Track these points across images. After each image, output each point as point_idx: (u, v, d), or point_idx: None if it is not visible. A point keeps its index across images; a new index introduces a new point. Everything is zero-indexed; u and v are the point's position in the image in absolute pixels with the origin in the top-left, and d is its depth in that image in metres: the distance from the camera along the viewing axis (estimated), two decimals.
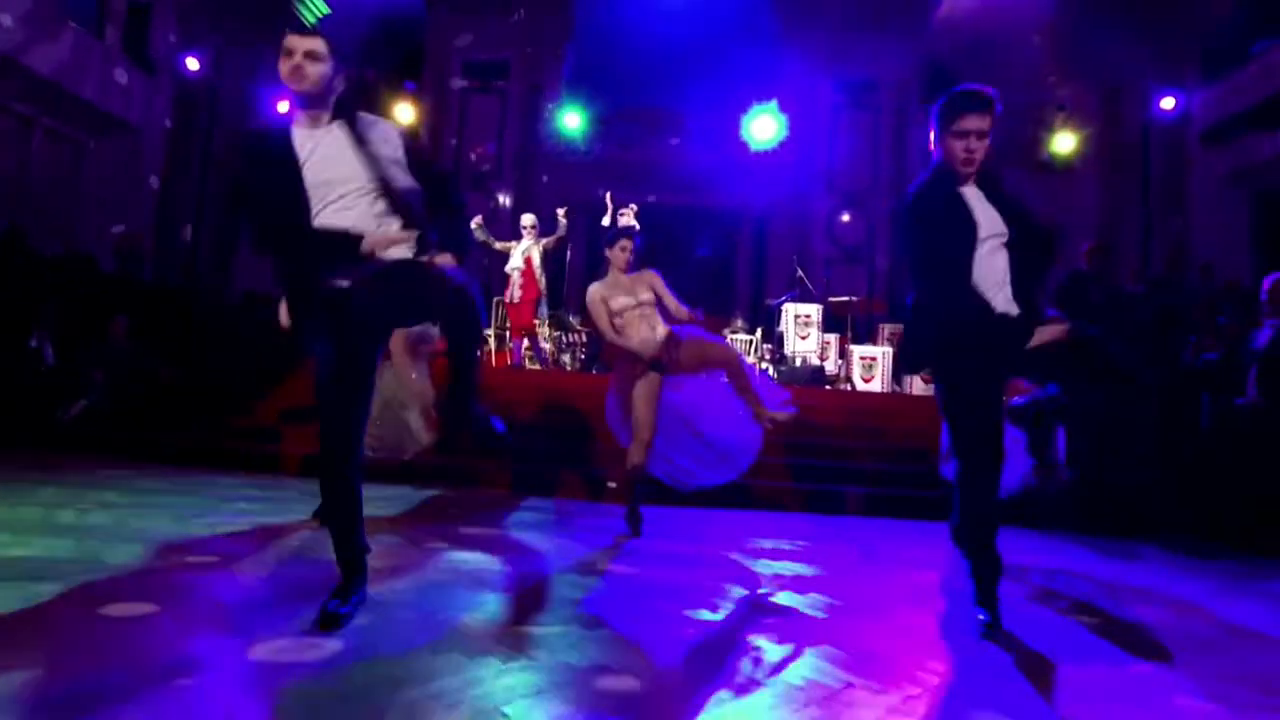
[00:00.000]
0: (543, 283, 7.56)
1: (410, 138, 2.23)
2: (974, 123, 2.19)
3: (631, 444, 3.64)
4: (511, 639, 2.00)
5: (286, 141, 2.07)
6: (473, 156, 12.07)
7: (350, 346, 2.07)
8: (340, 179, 2.05)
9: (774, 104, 11.20)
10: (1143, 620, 2.59)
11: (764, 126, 11.08)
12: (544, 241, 7.58)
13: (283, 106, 10.84)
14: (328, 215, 2.04)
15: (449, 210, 2.24)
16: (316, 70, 2.06)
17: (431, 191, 2.19)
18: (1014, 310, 2.26)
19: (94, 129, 10.24)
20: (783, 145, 11.31)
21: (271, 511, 3.63)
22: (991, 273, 2.25)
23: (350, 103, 2.16)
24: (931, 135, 2.31)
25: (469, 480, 4.96)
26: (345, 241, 2.00)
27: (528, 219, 7.67)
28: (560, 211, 7.63)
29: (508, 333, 8.17)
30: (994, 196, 2.29)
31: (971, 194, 2.27)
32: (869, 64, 11.82)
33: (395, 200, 2.10)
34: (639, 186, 12.39)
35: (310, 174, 2.04)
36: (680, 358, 3.61)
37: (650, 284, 3.74)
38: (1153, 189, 10.27)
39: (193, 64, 10.68)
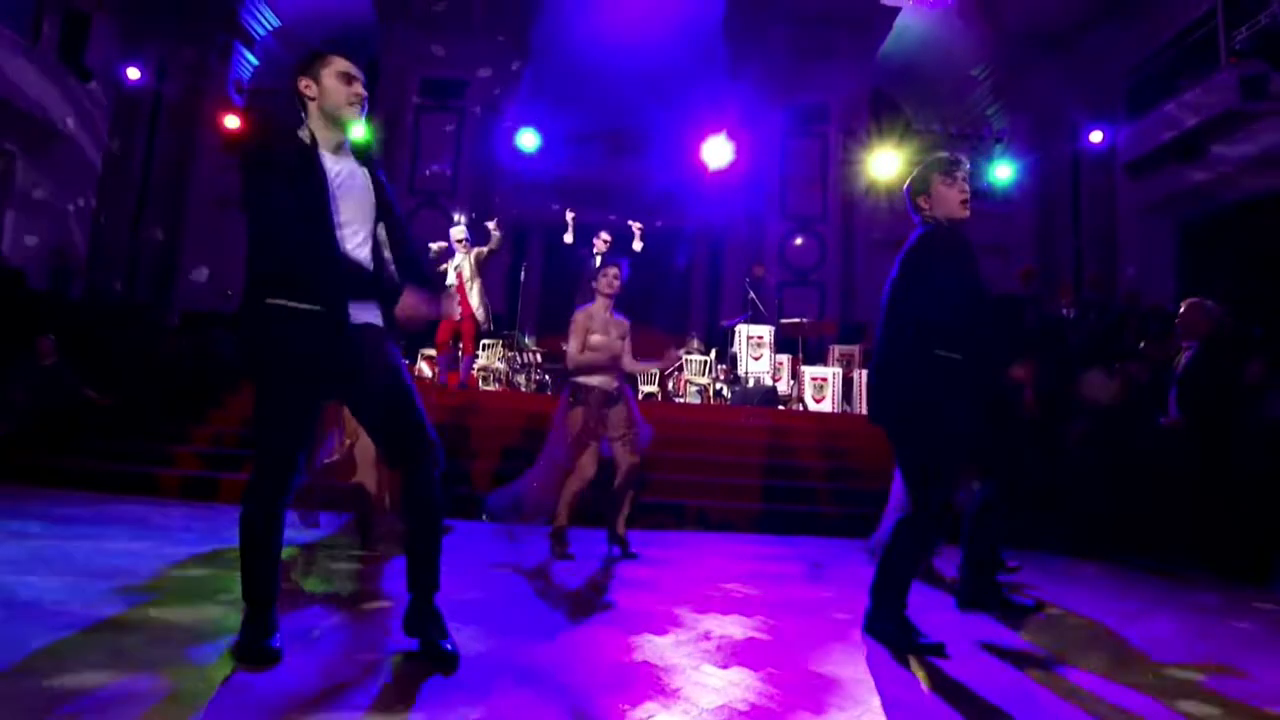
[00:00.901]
0: (475, 297, 7.21)
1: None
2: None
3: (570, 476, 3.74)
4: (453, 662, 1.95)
5: (316, 160, 2.02)
6: (427, 174, 11.96)
7: (339, 380, 2.01)
8: (360, 215, 2.06)
9: (727, 128, 11.44)
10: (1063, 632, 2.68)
11: (718, 151, 11.30)
12: (475, 252, 7.28)
13: (230, 121, 10.61)
14: (347, 247, 2.03)
15: (410, 250, 2.18)
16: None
17: (394, 233, 2.15)
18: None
19: (26, 138, 9.81)
20: (736, 169, 11.54)
21: (198, 540, 3.48)
22: None
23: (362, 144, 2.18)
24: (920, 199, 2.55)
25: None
26: (370, 280, 2.03)
27: (457, 232, 7.38)
28: (491, 224, 7.36)
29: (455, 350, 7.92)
30: None
31: None
32: (818, 93, 12.18)
33: (381, 241, 2.11)
34: (596, 207, 12.47)
35: (337, 201, 2.02)
36: (611, 414, 3.74)
37: (623, 332, 3.83)
38: (1083, 217, 10.81)
39: (133, 73, 10.37)
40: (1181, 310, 4.37)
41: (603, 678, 1.98)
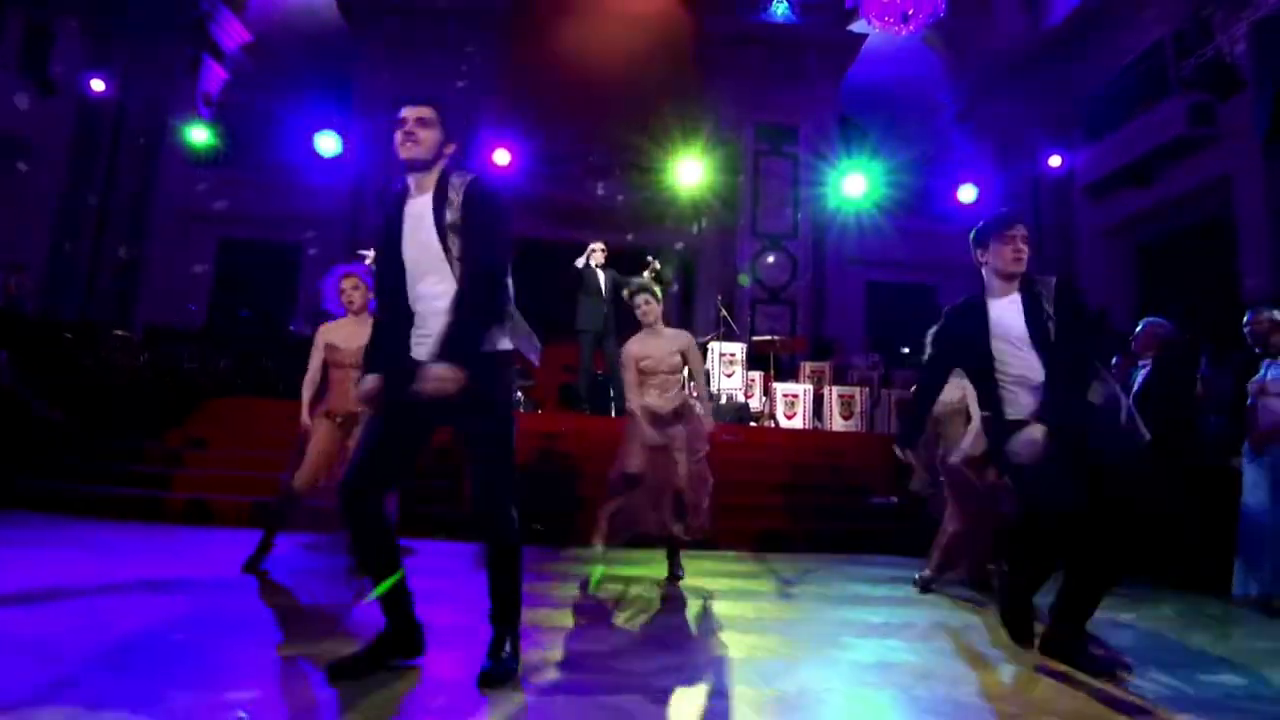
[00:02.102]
0: None
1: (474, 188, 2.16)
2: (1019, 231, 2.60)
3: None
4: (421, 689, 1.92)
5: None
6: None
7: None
8: (425, 256, 2.10)
9: (699, 148, 11.60)
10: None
11: (691, 170, 11.45)
12: None
13: (196, 133, 10.45)
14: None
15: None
16: (429, 136, 2.17)
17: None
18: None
19: None
20: (710, 188, 11.69)
21: (149, 564, 3.38)
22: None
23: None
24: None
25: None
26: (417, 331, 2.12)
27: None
28: None
29: None
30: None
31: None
32: (789, 114, 12.42)
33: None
34: (570, 224, 12.51)
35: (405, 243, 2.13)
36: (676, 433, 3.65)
37: (680, 347, 3.76)
38: (1044, 239, 11.12)
39: (98, 85, 10.17)
40: (1138, 329, 4.51)
41: (572, 703, 1.96)
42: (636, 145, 12.14)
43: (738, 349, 8.93)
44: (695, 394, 3.91)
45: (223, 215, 11.40)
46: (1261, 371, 4.00)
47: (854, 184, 11.46)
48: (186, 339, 8.59)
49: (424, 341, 2.07)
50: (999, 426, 2.56)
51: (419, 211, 2.12)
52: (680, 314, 12.95)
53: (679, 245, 12.56)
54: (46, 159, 10.24)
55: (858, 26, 12.08)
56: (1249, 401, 4.03)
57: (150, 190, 11.27)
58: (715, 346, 8.98)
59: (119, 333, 7.40)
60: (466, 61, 12.32)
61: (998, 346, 2.53)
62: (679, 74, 13.02)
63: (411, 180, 2.18)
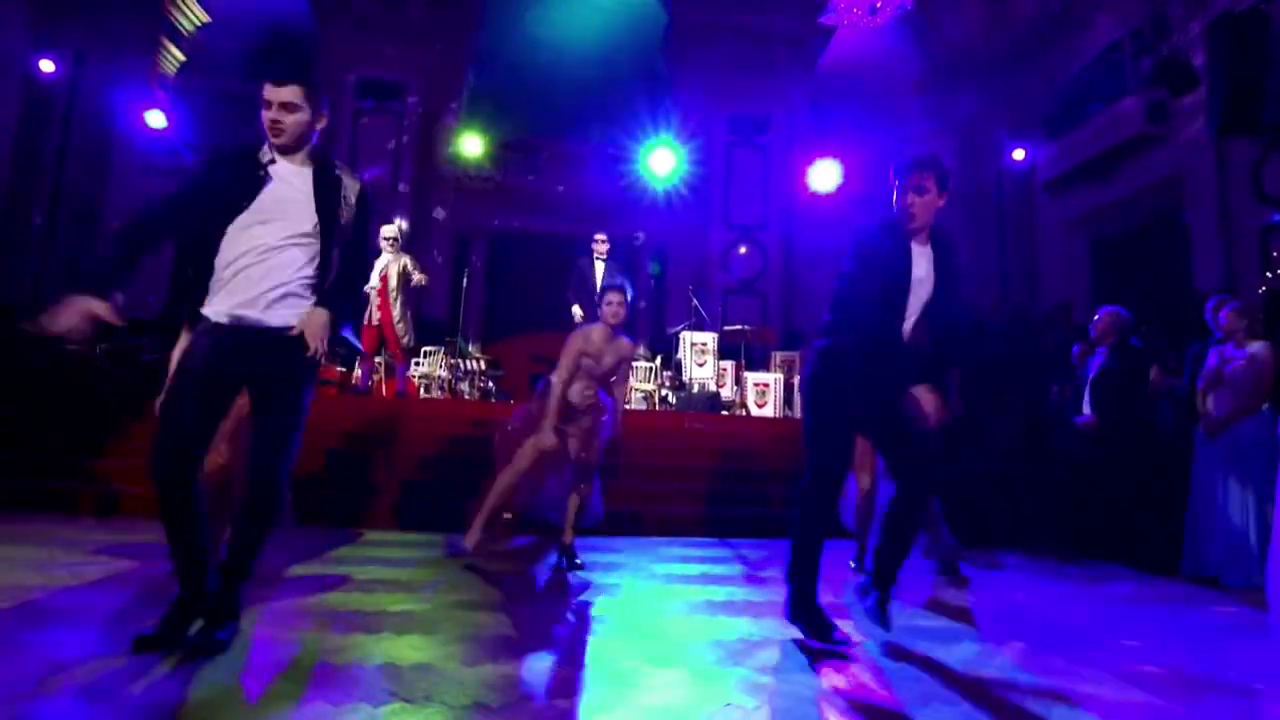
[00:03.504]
0: (397, 309, 6.80)
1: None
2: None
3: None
4: (391, 679, 1.90)
5: None
6: (365, 178, 11.67)
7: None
8: (285, 221, 2.19)
9: (671, 139, 11.59)
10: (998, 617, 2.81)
11: (662, 161, 11.44)
12: (403, 261, 6.88)
13: (152, 118, 10.12)
14: None
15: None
16: (296, 120, 2.17)
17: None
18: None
19: None
20: (681, 179, 11.70)
21: (115, 559, 3.29)
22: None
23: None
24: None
25: (350, 521, 4.72)
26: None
27: (389, 230, 6.97)
28: (417, 275, 6.96)
29: (382, 360, 7.64)
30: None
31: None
32: (759, 104, 12.48)
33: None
34: (542, 214, 12.43)
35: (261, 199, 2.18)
36: (584, 427, 3.66)
37: (621, 356, 3.70)
38: (1006, 230, 11.36)
39: (47, 65, 9.77)
40: (1096, 318, 4.66)
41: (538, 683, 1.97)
42: (607, 135, 12.10)
43: (709, 339, 8.98)
44: (614, 395, 3.81)
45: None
46: (1212, 358, 4.15)
47: (824, 175, 11.56)
48: (147, 329, 8.33)
49: (256, 298, 2.09)
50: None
51: (288, 178, 2.18)
52: (654, 304, 12.98)
53: (639, 236, 12.50)
54: None
55: (828, 18, 12.17)
56: (1199, 386, 4.19)
57: (103, 177, 10.90)
58: (687, 336, 9.03)
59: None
60: (433, 47, 12.13)
61: (912, 284, 2.45)
62: (649, 62, 13.00)
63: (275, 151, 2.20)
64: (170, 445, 2.03)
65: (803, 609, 2.42)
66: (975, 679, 2.17)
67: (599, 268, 7.16)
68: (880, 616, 2.37)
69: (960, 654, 2.42)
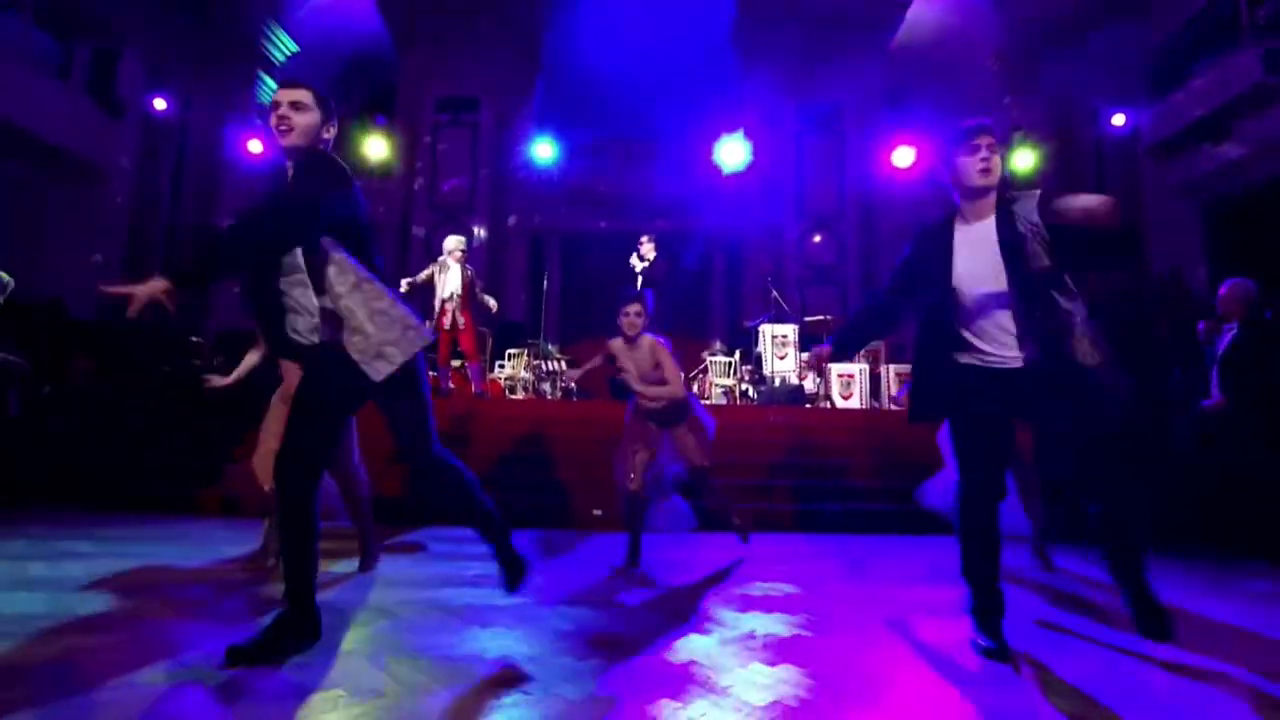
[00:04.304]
0: (470, 313, 7.01)
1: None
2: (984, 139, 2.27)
3: (621, 474, 3.66)
4: (507, 673, 1.97)
5: None
6: (446, 189, 12.12)
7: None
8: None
9: (741, 131, 11.44)
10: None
11: (733, 153, 11.31)
12: (471, 271, 7.08)
13: (254, 145, 10.86)
14: None
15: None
16: (305, 120, 2.15)
17: None
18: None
19: (58, 173, 10.10)
20: (752, 170, 11.53)
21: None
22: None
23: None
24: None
25: (439, 516, 4.88)
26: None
27: (456, 242, 7.09)
28: (489, 299, 7.15)
29: (460, 363, 7.84)
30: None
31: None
32: (831, 89, 12.15)
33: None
34: (613, 214, 12.55)
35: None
36: (682, 430, 3.66)
37: (655, 355, 3.64)
38: None
39: (160, 104, 10.64)
40: (1222, 291, 4.28)
41: (654, 679, 1.99)
42: (677, 131, 12.07)
43: (789, 330, 8.83)
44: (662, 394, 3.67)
45: None
46: None
47: (902, 157, 11.14)
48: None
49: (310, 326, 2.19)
50: (946, 370, 2.29)
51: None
52: (729, 299, 12.87)
53: (722, 229, 12.44)
54: (115, 178, 10.78)
55: None
56: None
57: (213, 204, 11.77)
58: (767, 329, 8.90)
59: (194, 339, 7.75)
60: (503, 58, 12.44)
61: (959, 276, 2.24)
62: (717, 56, 12.88)
63: (290, 164, 2.16)
64: (304, 460, 2.11)
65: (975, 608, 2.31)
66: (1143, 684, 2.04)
67: (638, 267, 7.27)
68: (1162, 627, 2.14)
69: (1114, 660, 2.29)
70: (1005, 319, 2.22)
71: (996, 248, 2.21)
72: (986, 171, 2.24)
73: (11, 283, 5.24)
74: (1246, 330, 4.16)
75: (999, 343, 2.23)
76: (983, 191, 2.27)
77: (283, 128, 2.13)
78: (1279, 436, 4.04)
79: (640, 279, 7.30)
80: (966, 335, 2.27)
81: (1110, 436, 2.14)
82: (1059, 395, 2.14)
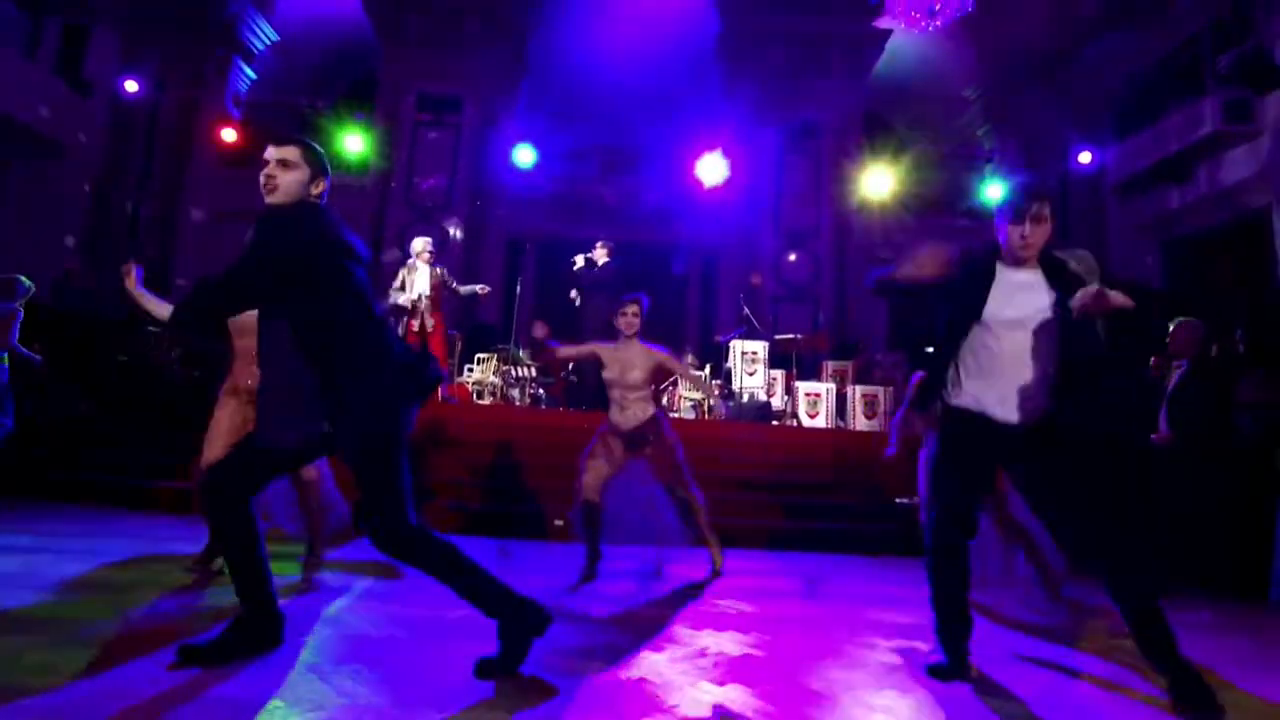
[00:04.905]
0: (440, 315, 7.00)
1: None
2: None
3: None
4: (452, 687, 1.95)
5: None
6: (423, 188, 12.01)
7: None
8: None
9: (722, 146, 11.54)
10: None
11: (712, 168, 11.39)
12: (441, 270, 7.06)
13: (227, 134, 10.66)
14: None
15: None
16: (290, 178, 2.14)
17: None
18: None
19: (22, 151, 9.79)
20: (731, 186, 11.63)
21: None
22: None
23: None
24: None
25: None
26: None
27: (423, 243, 7.05)
28: (479, 287, 7.30)
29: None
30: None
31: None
32: (813, 110, 12.32)
33: None
34: (591, 222, 12.53)
35: None
36: (650, 453, 3.66)
37: (659, 364, 3.69)
38: (1072, 236, 10.92)
39: (131, 85, 10.38)
40: (1171, 329, 4.42)
41: (599, 695, 1.98)
42: (658, 143, 12.13)
43: (760, 347, 8.90)
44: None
45: (252, 214, 11.57)
46: None
47: (878, 181, 11.33)
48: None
49: None
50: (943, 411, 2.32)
51: None
52: (703, 312, 12.94)
53: (699, 242, 12.52)
54: (80, 159, 10.48)
55: (883, 22, 11.96)
56: None
57: (180, 190, 11.50)
58: (737, 345, 8.96)
59: (152, 329, 7.55)
60: (489, 59, 12.40)
61: (990, 313, 2.25)
62: (701, 69, 13.00)
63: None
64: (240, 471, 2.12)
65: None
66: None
67: (577, 264, 7.31)
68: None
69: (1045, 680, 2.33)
70: (1021, 366, 2.23)
71: (1032, 296, 2.26)
72: (1025, 248, 2.27)
73: (32, 287, 5.25)
74: (1195, 367, 4.30)
75: (998, 393, 2.24)
76: (1021, 261, 2.30)
77: (268, 186, 2.12)
78: (1222, 468, 4.17)
79: (580, 279, 7.31)
80: (967, 379, 2.29)
81: (1115, 496, 2.16)
82: (1061, 455, 2.17)
